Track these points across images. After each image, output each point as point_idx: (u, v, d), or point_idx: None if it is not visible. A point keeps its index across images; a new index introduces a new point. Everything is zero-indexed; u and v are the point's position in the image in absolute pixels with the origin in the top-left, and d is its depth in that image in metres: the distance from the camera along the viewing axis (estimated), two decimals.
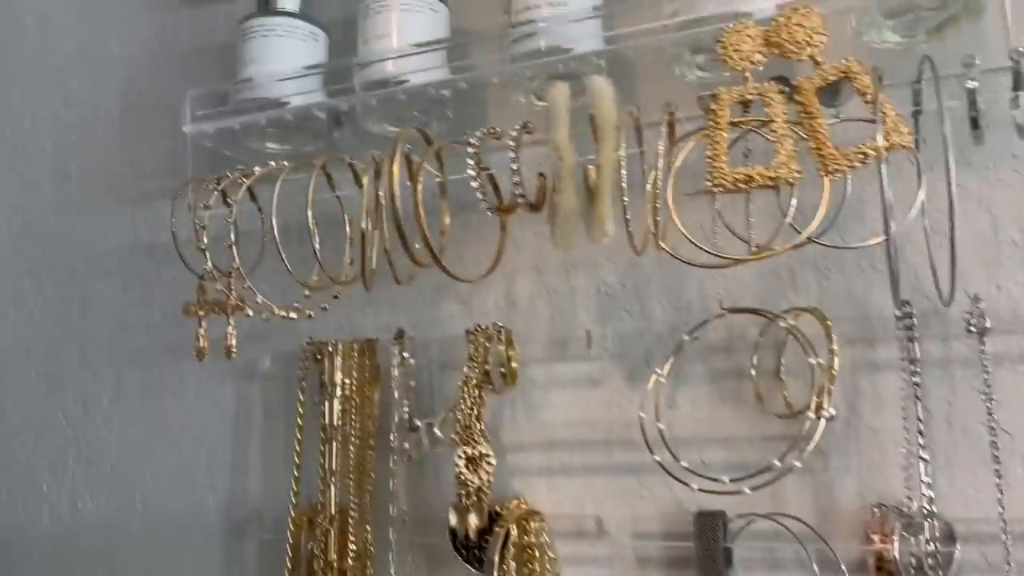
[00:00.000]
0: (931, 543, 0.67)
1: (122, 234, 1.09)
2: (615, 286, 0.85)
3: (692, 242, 0.63)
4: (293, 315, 0.80)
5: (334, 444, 0.88)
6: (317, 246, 0.79)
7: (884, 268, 0.74)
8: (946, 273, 0.63)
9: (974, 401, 0.71)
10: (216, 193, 0.79)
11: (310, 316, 0.81)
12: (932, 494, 0.68)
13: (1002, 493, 0.67)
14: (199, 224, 0.77)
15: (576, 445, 0.84)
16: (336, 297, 0.83)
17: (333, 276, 0.78)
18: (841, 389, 0.74)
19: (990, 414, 0.67)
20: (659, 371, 0.78)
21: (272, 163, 0.80)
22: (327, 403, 0.89)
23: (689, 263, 0.67)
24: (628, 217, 0.65)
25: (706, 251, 0.64)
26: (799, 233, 0.62)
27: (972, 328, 0.68)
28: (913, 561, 0.68)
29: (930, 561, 0.67)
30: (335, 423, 0.88)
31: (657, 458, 0.75)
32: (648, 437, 0.76)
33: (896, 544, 0.68)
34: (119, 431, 1.04)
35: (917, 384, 0.69)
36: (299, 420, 0.91)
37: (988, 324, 0.67)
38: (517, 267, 0.89)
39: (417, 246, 0.74)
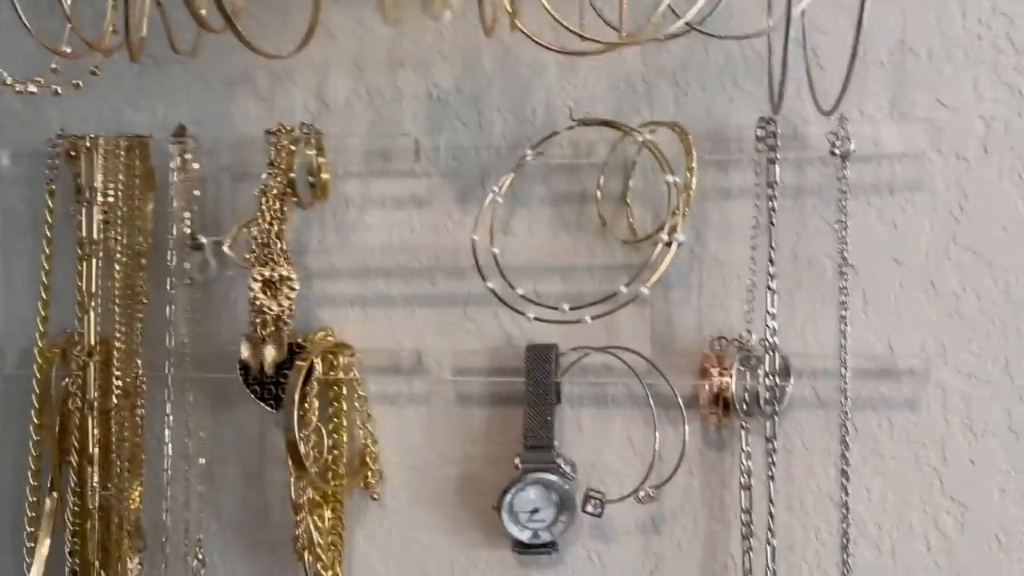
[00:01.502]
0: (768, 377, 0.64)
1: None
2: (449, 90, 0.73)
3: (558, 22, 0.52)
4: (33, 88, 0.61)
5: (94, 262, 0.71)
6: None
7: (747, 86, 0.68)
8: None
9: (822, 233, 0.67)
10: None
11: (57, 92, 0.62)
12: (776, 325, 0.64)
13: (844, 328, 0.64)
14: None
15: (395, 272, 0.73)
16: (95, 72, 0.65)
17: (91, 42, 0.59)
18: (689, 217, 0.68)
19: (843, 244, 0.64)
20: (496, 189, 0.68)
21: None
22: (85, 212, 0.71)
23: (553, 49, 0.56)
24: None
25: (577, 34, 0.53)
26: (679, 18, 0.52)
27: (835, 151, 0.63)
28: (746, 395, 0.65)
29: (766, 395, 0.64)
30: (95, 237, 0.71)
31: (491, 285, 0.66)
32: (480, 263, 0.67)
33: (733, 377, 0.65)
34: None
35: (773, 210, 0.64)
36: (48, 232, 0.73)
37: (853, 147, 0.63)
38: (331, 60, 0.74)
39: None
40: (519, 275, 0.68)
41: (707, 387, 0.65)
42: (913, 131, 0.65)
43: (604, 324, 0.69)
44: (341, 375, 0.71)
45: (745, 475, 0.65)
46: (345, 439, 0.72)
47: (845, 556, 0.64)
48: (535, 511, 0.67)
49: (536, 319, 0.64)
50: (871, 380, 0.65)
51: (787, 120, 0.65)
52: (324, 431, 0.71)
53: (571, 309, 0.63)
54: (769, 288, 0.64)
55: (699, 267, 0.69)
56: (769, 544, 0.64)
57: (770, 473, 0.64)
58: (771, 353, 0.64)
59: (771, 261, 0.64)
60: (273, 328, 0.68)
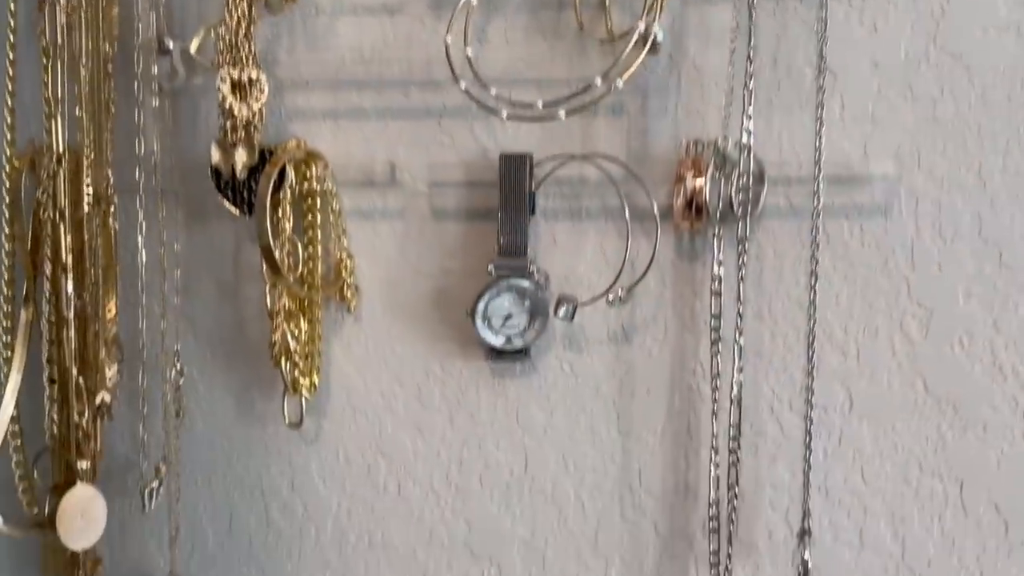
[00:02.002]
0: (743, 177, 0.64)
1: None
2: None
3: None
4: None
5: (59, 67, 0.69)
6: None
7: None
8: None
9: (802, 38, 0.66)
10: None
11: None
12: (752, 128, 0.63)
13: (819, 134, 0.64)
14: None
15: (368, 83, 0.72)
16: None
17: None
18: (669, 25, 0.66)
19: (822, 48, 0.63)
20: None
21: None
22: (48, 16, 0.69)
23: None
24: None
25: None
26: None
27: None
28: (720, 202, 0.65)
29: (740, 197, 0.64)
30: (59, 41, 0.69)
31: (463, 85, 0.64)
32: (454, 66, 0.65)
33: (707, 182, 0.64)
34: None
35: (752, 6, 0.63)
36: (10, 36, 0.71)
37: None
38: None
39: None
40: (496, 85, 0.66)
41: (681, 192, 0.65)
42: None
43: (580, 133, 0.69)
44: (316, 186, 0.70)
45: (716, 281, 0.66)
46: (320, 252, 0.72)
47: (811, 360, 0.66)
48: (508, 317, 0.68)
49: (509, 118, 0.63)
50: (845, 186, 0.65)
51: None
52: (299, 243, 0.71)
53: (545, 106, 0.62)
54: (746, 88, 0.63)
55: (678, 75, 0.68)
56: (737, 344, 0.65)
57: (740, 275, 0.65)
58: (746, 154, 0.63)
59: (749, 59, 0.63)
60: (243, 132, 0.67)
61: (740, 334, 0.65)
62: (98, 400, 0.71)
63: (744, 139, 0.63)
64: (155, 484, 0.71)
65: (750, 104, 0.63)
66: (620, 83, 0.61)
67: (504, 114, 0.63)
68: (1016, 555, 0.66)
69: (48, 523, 0.70)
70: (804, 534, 0.65)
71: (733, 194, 0.64)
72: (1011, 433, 0.65)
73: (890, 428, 0.67)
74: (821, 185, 0.64)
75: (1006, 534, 0.66)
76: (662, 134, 0.68)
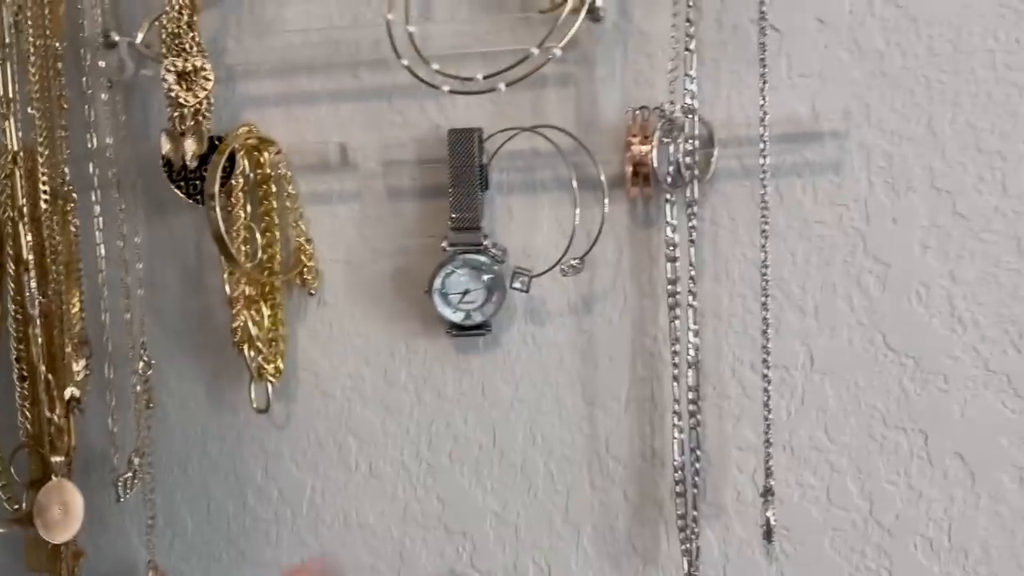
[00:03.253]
0: (690, 141, 0.63)
1: None
2: None
3: None
4: None
5: (9, 67, 0.70)
6: None
7: None
8: None
9: None
10: None
11: None
12: (695, 88, 0.63)
13: (765, 94, 0.63)
14: None
15: (317, 67, 0.72)
16: None
17: None
18: None
19: (766, 7, 0.62)
20: None
21: None
22: None
23: None
24: None
25: None
26: None
27: None
28: (670, 167, 0.65)
29: (687, 160, 0.64)
30: (7, 40, 0.69)
31: (406, 62, 0.64)
32: (397, 44, 0.65)
33: (655, 145, 0.64)
34: None
35: None
36: None
37: None
38: None
39: None
40: (442, 61, 0.66)
41: (628, 158, 0.65)
42: None
43: (531, 106, 0.69)
44: (270, 172, 0.71)
45: (671, 247, 0.66)
46: (278, 238, 0.72)
47: (767, 320, 0.66)
48: (466, 292, 0.68)
49: (452, 92, 0.63)
50: (794, 144, 0.65)
51: None
52: (256, 230, 0.71)
53: (485, 78, 0.62)
54: (688, 50, 0.63)
55: (624, 42, 0.67)
56: (691, 307, 0.65)
57: (691, 238, 0.65)
58: (691, 117, 0.63)
59: (689, 21, 0.62)
60: (192, 121, 0.67)
61: (694, 297, 0.65)
62: (67, 395, 0.72)
63: (688, 102, 0.63)
64: (128, 475, 0.72)
65: (692, 67, 0.63)
66: (558, 51, 0.60)
67: (446, 89, 0.63)
68: (984, 505, 0.66)
69: (28, 518, 0.72)
70: (767, 493, 0.66)
71: (681, 159, 0.64)
72: (972, 383, 0.65)
73: (852, 384, 0.67)
74: (769, 144, 0.64)
75: (972, 484, 0.66)
76: (611, 102, 0.68)
